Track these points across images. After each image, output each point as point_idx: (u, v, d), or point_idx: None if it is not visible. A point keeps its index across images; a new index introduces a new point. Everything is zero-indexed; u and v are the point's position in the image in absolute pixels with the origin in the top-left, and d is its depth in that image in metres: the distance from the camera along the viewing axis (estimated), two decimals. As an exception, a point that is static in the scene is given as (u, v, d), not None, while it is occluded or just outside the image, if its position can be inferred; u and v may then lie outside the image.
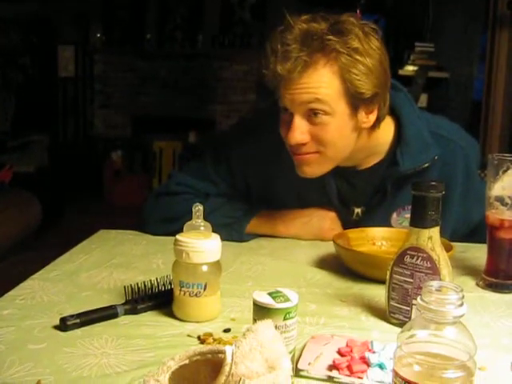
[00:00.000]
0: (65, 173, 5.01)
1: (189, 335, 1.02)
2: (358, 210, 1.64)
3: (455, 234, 1.54)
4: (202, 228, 1.07)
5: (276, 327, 0.81)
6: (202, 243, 1.05)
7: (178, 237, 1.07)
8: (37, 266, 2.49)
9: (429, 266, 1.06)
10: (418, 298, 0.74)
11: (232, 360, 0.70)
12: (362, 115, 1.42)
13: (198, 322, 1.07)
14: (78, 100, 6.03)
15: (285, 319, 0.85)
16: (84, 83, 6.03)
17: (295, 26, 1.37)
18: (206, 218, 1.09)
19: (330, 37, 1.34)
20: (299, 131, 1.40)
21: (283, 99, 1.41)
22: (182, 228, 1.10)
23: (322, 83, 1.35)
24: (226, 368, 0.70)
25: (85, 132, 5.97)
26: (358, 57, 1.34)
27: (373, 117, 1.44)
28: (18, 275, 2.40)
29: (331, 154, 1.44)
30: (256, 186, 1.66)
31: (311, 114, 1.39)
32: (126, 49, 6.06)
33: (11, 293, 1.20)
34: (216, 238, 1.08)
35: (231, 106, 5.82)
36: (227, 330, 1.04)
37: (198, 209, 1.07)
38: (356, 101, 1.38)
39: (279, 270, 1.39)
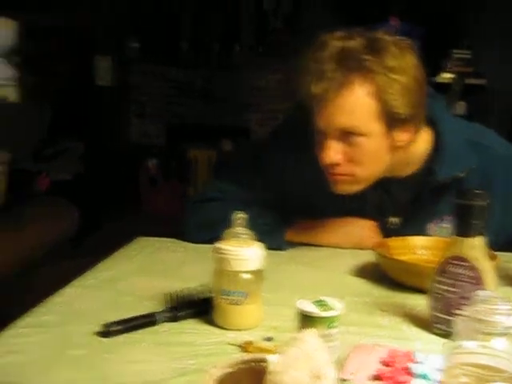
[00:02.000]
0: (101, 181, 5.05)
1: (229, 343, 1.01)
2: (394, 220, 1.62)
3: (496, 244, 1.51)
4: (243, 236, 1.06)
5: (320, 336, 0.80)
6: (245, 251, 1.05)
7: (219, 245, 1.07)
8: (73, 273, 2.52)
9: (472, 275, 1.04)
10: (466, 308, 0.73)
11: (276, 369, 0.69)
12: (397, 134, 1.40)
13: (238, 330, 1.07)
14: (114, 109, 6.09)
15: (329, 328, 0.84)
16: (120, 92, 6.09)
17: (330, 43, 1.35)
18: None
19: (366, 56, 1.32)
20: (333, 152, 1.39)
21: (317, 120, 1.39)
22: (219, 235, 1.10)
23: (357, 105, 1.34)
24: (270, 377, 0.69)
25: (120, 140, 6.02)
26: (394, 76, 1.32)
27: (408, 135, 1.42)
28: (55, 282, 2.43)
29: (366, 174, 1.43)
30: (294, 194, 1.65)
31: (346, 135, 1.37)
32: (162, 59, 6.10)
33: (50, 299, 1.20)
34: (258, 246, 1.08)
35: (266, 114, 5.83)
36: (269, 339, 1.03)
37: (240, 216, 1.06)
38: (392, 120, 1.36)
39: (319, 279, 1.38)
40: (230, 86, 5.99)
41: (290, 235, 1.62)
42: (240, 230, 1.06)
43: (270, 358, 0.71)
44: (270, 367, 0.70)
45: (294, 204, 1.66)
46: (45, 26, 6.12)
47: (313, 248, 1.62)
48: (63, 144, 5.19)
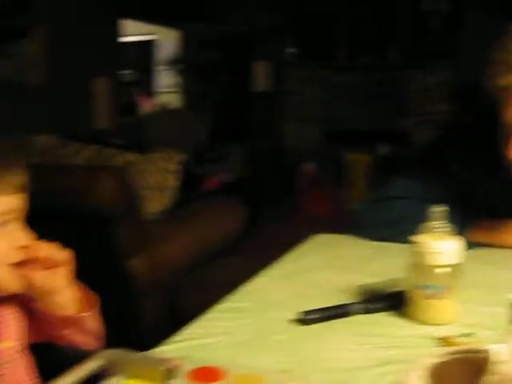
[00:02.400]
0: (260, 183, 5.19)
1: (427, 337, 1.00)
2: None
3: None
4: (441, 230, 1.05)
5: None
6: (443, 245, 1.03)
7: (417, 239, 1.06)
8: (240, 269, 2.60)
9: None
10: None
11: (502, 358, 0.68)
12: None
13: (434, 324, 1.05)
14: (272, 114, 6.22)
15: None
16: (278, 97, 6.21)
17: None
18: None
19: None
20: None
21: (505, 113, 1.34)
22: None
23: None
24: (495, 367, 0.68)
25: (278, 144, 6.14)
26: None
27: None
28: (225, 277, 2.52)
29: None
30: (473, 195, 1.61)
31: None
32: (318, 63, 6.16)
33: (244, 288, 1.25)
34: (456, 239, 1.06)
35: (424, 117, 5.70)
36: (467, 335, 1.01)
37: (437, 210, 1.05)
38: None
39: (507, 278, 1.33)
40: (387, 89, 5.92)
41: (471, 236, 1.58)
42: (438, 223, 1.05)
43: (493, 348, 0.69)
44: (494, 357, 0.68)
45: (474, 205, 1.62)
46: (206, 36, 6.38)
47: (495, 249, 1.57)
48: (224, 148, 5.40)
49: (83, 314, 0.95)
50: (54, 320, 0.94)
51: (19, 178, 0.88)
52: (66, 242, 0.93)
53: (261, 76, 6.18)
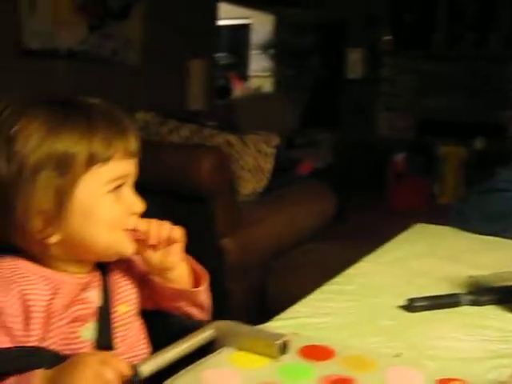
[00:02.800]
0: (348, 171, 5.15)
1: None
2: None
3: None
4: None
5: None
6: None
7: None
8: (329, 254, 2.59)
9: None
10: None
11: None
12: None
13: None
14: (364, 102, 6.15)
15: None
16: (370, 85, 6.13)
17: None
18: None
19: None
20: None
21: None
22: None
23: None
24: None
25: (369, 133, 6.07)
26: None
27: None
28: (313, 262, 2.52)
29: None
30: None
31: None
32: (414, 51, 6.03)
33: (348, 271, 1.25)
34: None
35: (523, 111, 5.50)
36: None
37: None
38: None
39: None
40: (487, 80, 5.73)
41: None
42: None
43: None
44: None
45: None
46: (299, 21, 6.36)
47: None
48: (314, 134, 5.38)
49: (196, 289, 0.97)
50: (169, 292, 0.97)
51: (134, 143, 0.90)
52: (163, 219, 0.96)
53: (354, 63, 6.11)
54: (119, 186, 0.89)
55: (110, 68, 4.42)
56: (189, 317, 1.01)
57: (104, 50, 4.49)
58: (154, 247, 0.93)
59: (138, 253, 0.94)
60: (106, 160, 0.86)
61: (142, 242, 0.92)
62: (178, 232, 0.93)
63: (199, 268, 0.99)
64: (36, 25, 4.00)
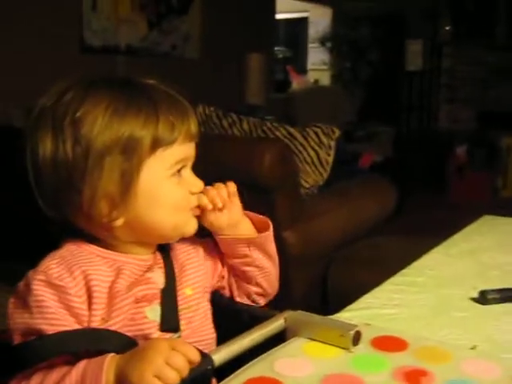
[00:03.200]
0: (408, 165, 5.08)
1: None
2: None
3: None
4: None
5: None
6: None
7: None
8: (390, 247, 2.56)
9: None
10: None
11: None
12: None
13: None
14: (424, 94, 6.05)
15: None
16: (430, 77, 6.03)
17: None
18: None
19: None
20: None
21: None
22: None
23: None
24: None
25: (429, 126, 5.98)
26: None
27: None
28: (374, 255, 2.50)
29: None
30: None
31: None
32: (475, 41, 5.90)
33: (417, 263, 1.24)
34: None
35: None
36: None
37: None
38: None
39: None
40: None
41: None
42: None
43: None
44: None
45: None
46: (358, 13, 6.30)
47: None
48: (374, 127, 5.33)
49: (262, 234, 0.98)
50: (240, 242, 0.98)
51: (195, 125, 0.91)
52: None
53: (414, 55, 6.01)
54: (180, 169, 0.90)
55: (170, 63, 4.48)
56: (266, 276, 1.02)
57: (163, 45, 4.55)
58: (220, 209, 0.94)
59: (206, 223, 0.95)
60: (170, 143, 0.86)
61: (205, 212, 0.93)
62: (232, 185, 0.95)
63: (260, 218, 1.01)
64: (97, 22, 4.08)
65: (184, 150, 0.89)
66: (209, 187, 0.94)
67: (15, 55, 3.54)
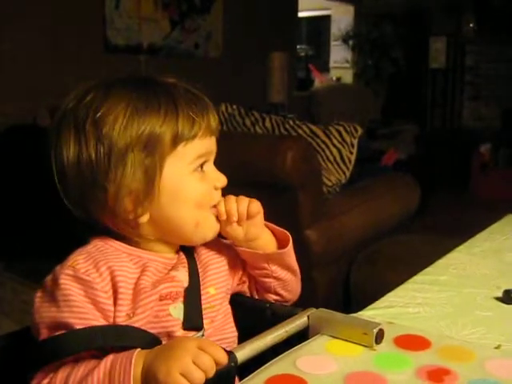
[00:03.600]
0: (432, 162, 5.05)
1: None
2: None
3: None
4: None
5: None
6: None
7: None
8: (413, 246, 2.54)
9: None
10: None
11: None
12: None
13: None
14: (447, 91, 6.01)
15: None
16: (454, 74, 5.98)
17: None
18: None
19: None
20: None
21: None
22: None
23: None
24: None
25: (452, 123, 5.93)
26: None
27: None
28: (398, 253, 2.49)
29: None
30: None
31: None
32: (499, 38, 5.84)
33: (440, 262, 1.23)
34: None
35: None
36: None
37: None
38: None
39: None
40: None
41: None
42: None
43: None
44: None
45: None
46: (380, 11, 6.26)
47: None
48: (397, 125, 5.30)
49: (281, 251, 0.98)
50: (258, 257, 0.98)
51: (215, 120, 0.91)
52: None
53: (437, 52, 5.97)
54: (203, 164, 0.91)
55: (192, 62, 4.50)
56: (285, 286, 1.02)
57: (186, 44, 4.57)
58: (237, 222, 0.94)
59: (222, 231, 0.95)
60: (191, 139, 0.87)
61: (224, 221, 0.94)
62: (255, 205, 0.94)
63: (281, 231, 1.00)
64: (120, 21, 4.11)
65: (205, 145, 0.90)
66: (231, 196, 0.94)
67: (41, 55, 3.58)
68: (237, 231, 0.95)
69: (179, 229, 0.90)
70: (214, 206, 0.93)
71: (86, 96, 0.87)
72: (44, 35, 3.60)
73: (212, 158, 0.93)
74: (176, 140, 0.86)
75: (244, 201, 0.94)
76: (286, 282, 1.01)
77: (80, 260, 0.86)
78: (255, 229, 0.95)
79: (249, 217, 0.94)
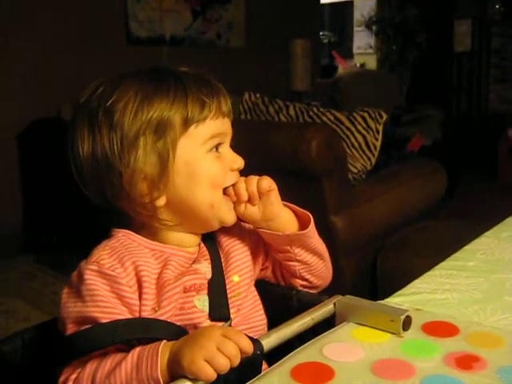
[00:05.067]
0: (458, 148, 4.99)
1: None
2: None
3: None
4: None
5: None
6: None
7: None
8: (440, 232, 2.52)
9: None
10: None
11: None
12: None
13: None
14: (473, 75, 5.93)
15: None
16: (480, 57, 5.90)
17: None
18: None
19: None
20: None
21: None
22: None
23: None
24: None
25: (478, 107, 5.86)
26: None
27: None
28: (425, 239, 2.47)
29: None
30: None
31: None
32: (526, 20, 5.74)
33: (468, 247, 1.22)
34: None
35: None
36: None
37: None
38: None
39: None
40: None
41: None
42: None
43: None
44: None
45: None
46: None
47: None
48: (422, 111, 5.23)
49: (301, 232, 0.97)
50: (279, 239, 0.97)
51: (226, 102, 0.92)
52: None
53: (462, 35, 5.89)
54: (218, 146, 0.91)
55: (215, 52, 4.49)
56: (312, 270, 1.01)
57: (208, 34, 4.56)
58: (250, 202, 0.93)
59: (238, 214, 0.94)
60: (202, 120, 0.88)
61: (236, 202, 0.93)
62: (265, 181, 0.93)
63: (302, 212, 0.99)
64: (142, 13, 4.12)
65: (217, 126, 0.90)
66: (241, 178, 0.94)
67: (64, 49, 3.60)
68: (252, 211, 0.94)
69: (196, 211, 0.90)
70: (225, 191, 0.92)
71: (97, 89, 0.89)
72: (68, 29, 3.62)
73: (227, 139, 0.93)
74: (186, 122, 0.87)
75: (253, 179, 0.93)
76: (311, 265, 1.00)
77: (104, 255, 0.87)
78: (272, 207, 0.94)
79: (260, 194, 0.93)
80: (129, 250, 0.88)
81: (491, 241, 1.25)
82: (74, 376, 0.79)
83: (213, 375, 0.71)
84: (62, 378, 0.80)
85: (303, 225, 0.97)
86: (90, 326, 0.81)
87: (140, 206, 0.89)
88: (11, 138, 3.45)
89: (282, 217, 0.96)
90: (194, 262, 0.93)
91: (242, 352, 0.74)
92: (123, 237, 0.91)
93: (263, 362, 0.80)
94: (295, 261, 0.99)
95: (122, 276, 0.84)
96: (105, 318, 0.81)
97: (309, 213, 0.98)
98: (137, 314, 0.84)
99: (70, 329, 0.83)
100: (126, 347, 0.80)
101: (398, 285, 1.04)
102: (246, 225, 1.00)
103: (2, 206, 3.39)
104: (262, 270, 1.03)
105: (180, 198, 0.89)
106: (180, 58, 3.95)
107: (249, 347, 0.74)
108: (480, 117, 5.78)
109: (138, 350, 0.77)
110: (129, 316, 0.83)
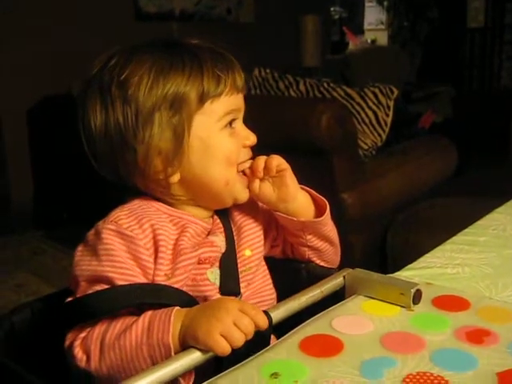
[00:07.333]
0: (469, 125, 4.95)
1: None
2: None
3: None
4: None
5: None
6: None
7: None
8: (450, 209, 2.51)
9: None
10: None
11: None
12: None
13: None
14: (486, 51, 5.86)
15: None
16: (493, 34, 5.82)
17: None
18: None
19: None
20: None
21: None
22: None
23: None
24: None
25: (491, 84, 5.79)
26: None
27: None
28: (434, 217, 2.46)
29: None
30: None
31: None
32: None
33: (479, 223, 1.21)
34: None
35: None
36: None
37: None
38: None
39: None
40: None
41: None
42: None
43: None
44: None
45: None
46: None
47: None
48: (434, 87, 5.19)
49: (315, 220, 0.96)
50: (292, 225, 0.97)
51: (240, 78, 0.91)
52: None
53: (475, 11, 5.81)
54: (232, 122, 0.90)
55: (225, 27, 4.46)
56: (321, 255, 1.01)
57: (218, 9, 4.52)
58: (261, 180, 0.93)
59: (253, 194, 0.94)
60: (217, 96, 0.87)
61: (252, 178, 0.92)
62: (274, 159, 0.91)
63: (320, 198, 0.97)
64: (152, -12, 4.08)
65: (232, 102, 0.89)
66: (260, 156, 0.92)
67: (73, 25, 3.58)
68: (267, 192, 0.93)
69: (210, 188, 0.90)
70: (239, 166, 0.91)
71: (109, 61, 0.87)
72: (76, 5, 3.60)
73: (241, 115, 0.92)
74: (202, 98, 0.86)
75: (261, 158, 0.92)
76: (321, 252, 1.00)
77: (122, 216, 0.86)
78: (287, 189, 0.93)
79: (269, 171, 0.92)
80: (147, 213, 0.87)
81: (503, 216, 1.25)
82: (82, 335, 0.78)
83: (228, 350, 0.71)
84: (69, 336, 0.80)
85: (320, 211, 0.97)
86: (102, 286, 0.80)
87: (154, 182, 0.88)
88: (22, 114, 3.45)
89: (299, 200, 0.95)
90: (209, 233, 0.93)
91: (256, 327, 0.73)
92: (141, 202, 0.90)
93: (272, 334, 0.80)
94: (306, 246, 0.99)
95: (139, 237, 0.84)
96: (119, 279, 0.80)
97: (326, 201, 0.97)
98: (150, 278, 0.84)
99: (83, 286, 0.82)
100: (136, 310, 0.79)
101: (407, 261, 1.04)
102: (259, 203, 0.99)
103: (13, 181, 3.40)
104: (272, 247, 1.03)
105: (194, 175, 0.88)
106: (189, 34, 3.93)
107: (264, 323, 0.74)
108: (492, 94, 5.73)
109: (149, 313, 0.76)
110: (142, 279, 0.83)
